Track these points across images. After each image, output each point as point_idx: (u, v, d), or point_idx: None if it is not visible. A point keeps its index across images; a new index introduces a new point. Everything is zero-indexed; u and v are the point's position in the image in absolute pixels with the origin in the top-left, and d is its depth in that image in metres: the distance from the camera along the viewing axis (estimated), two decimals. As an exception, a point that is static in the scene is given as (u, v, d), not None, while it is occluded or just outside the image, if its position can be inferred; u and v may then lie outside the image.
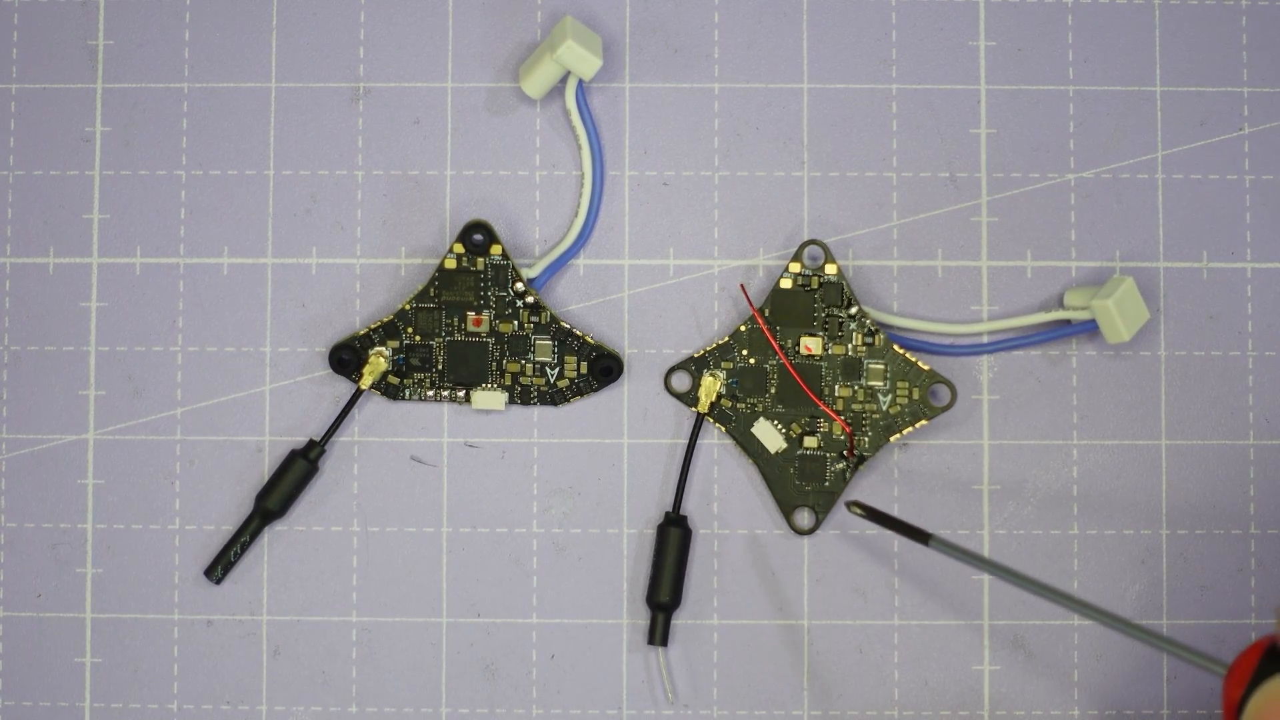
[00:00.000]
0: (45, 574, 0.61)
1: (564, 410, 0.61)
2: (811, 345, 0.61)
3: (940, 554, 0.59)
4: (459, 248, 0.60)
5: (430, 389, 0.61)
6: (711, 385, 0.60)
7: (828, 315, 0.60)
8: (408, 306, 0.61)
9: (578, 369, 0.61)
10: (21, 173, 0.62)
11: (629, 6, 0.62)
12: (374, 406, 0.61)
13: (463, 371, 0.61)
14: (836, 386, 0.60)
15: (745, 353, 0.61)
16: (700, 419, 0.61)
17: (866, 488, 0.61)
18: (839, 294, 0.60)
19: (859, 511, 0.58)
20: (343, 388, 0.61)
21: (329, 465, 0.61)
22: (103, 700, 0.61)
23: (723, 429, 0.61)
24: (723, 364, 0.61)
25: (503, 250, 0.60)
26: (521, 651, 0.61)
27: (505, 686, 0.61)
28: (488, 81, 0.62)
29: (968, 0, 0.62)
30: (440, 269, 0.60)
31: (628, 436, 0.61)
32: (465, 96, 0.62)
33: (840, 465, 0.60)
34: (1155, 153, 0.62)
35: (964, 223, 0.62)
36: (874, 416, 0.60)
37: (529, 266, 0.61)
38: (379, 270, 0.61)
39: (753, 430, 0.61)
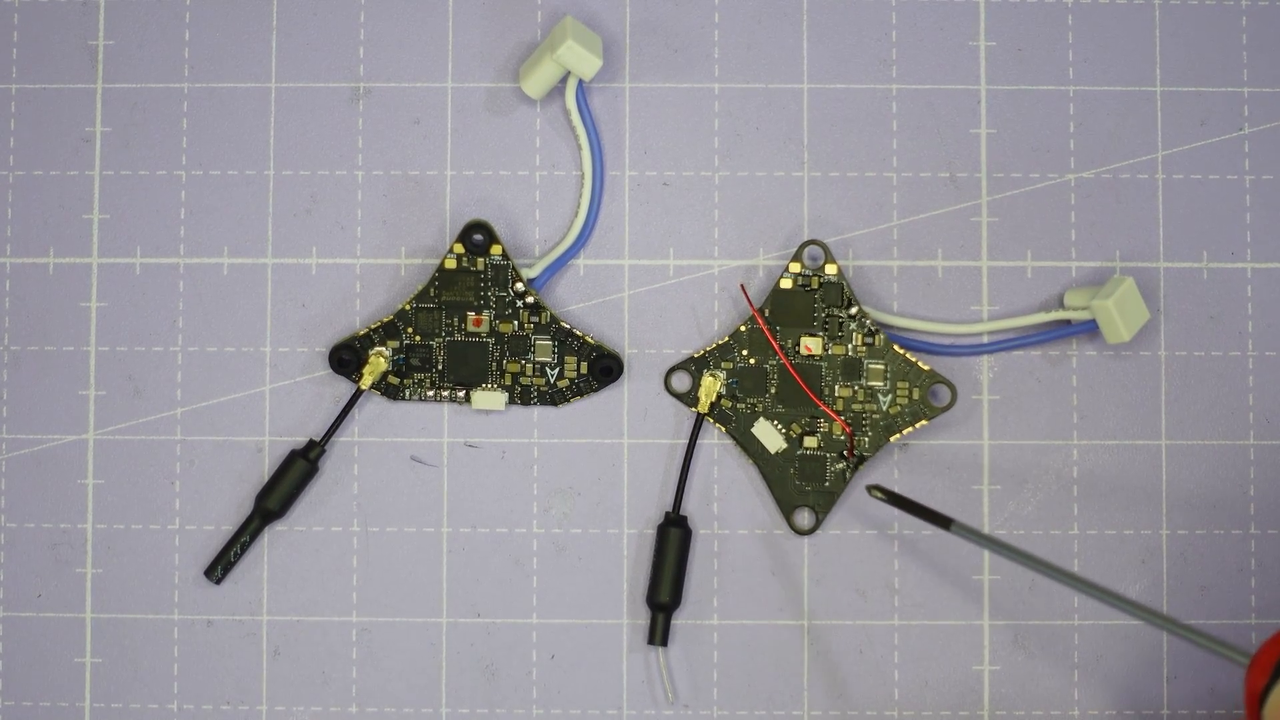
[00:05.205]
0: (45, 574, 0.61)
1: (564, 410, 0.61)
2: (811, 345, 0.61)
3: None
4: (459, 248, 0.60)
5: (430, 389, 0.61)
6: (711, 385, 0.60)
7: (828, 315, 0.60)
8: (408, 306, 0.61)
9: (578, 369, 0.61)
10: (21, 173, 0.62)
11: (629, 6, 0.62)
12: (374, 406, 0.61)
13: (463, 371, 0.61)
14: (836, 386, 0.60)
15: (745, 353, 0.61)
16: (700, 419, 0.61)
17: (866, 488, 0.61)
18: (839, 294, 0.60)
19: (880, 495, 0.58)
20: (343, 388, 0.61)
21: (329, 465, 0.61)
22: (103, 700, 0.61)
23: (723, 429, 0.61)
24: (723, 364, 0.61)
25: (503, 250, 0.60)
26: (521, 651, 0.61)
27: (505, 686, 0.61)
28: (488, 81, 0.62)
29: (968, 0, 0.62)
30: (440, 269, 0.60)
31: (628, 436, 0.61)
32: (465, 96, 0.62)
33: (840, 465, 0.60)
34: (1155, 153, 0.62)
35: (964, 223, 0.62)
36: (874, 416, 0.60)
37: (529, 266, 0.61)
38: (379, 270, 0.61)
39: (753, 430, 0.61)
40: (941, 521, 0.56)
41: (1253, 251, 0.61)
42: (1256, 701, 0.50)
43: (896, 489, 0.61)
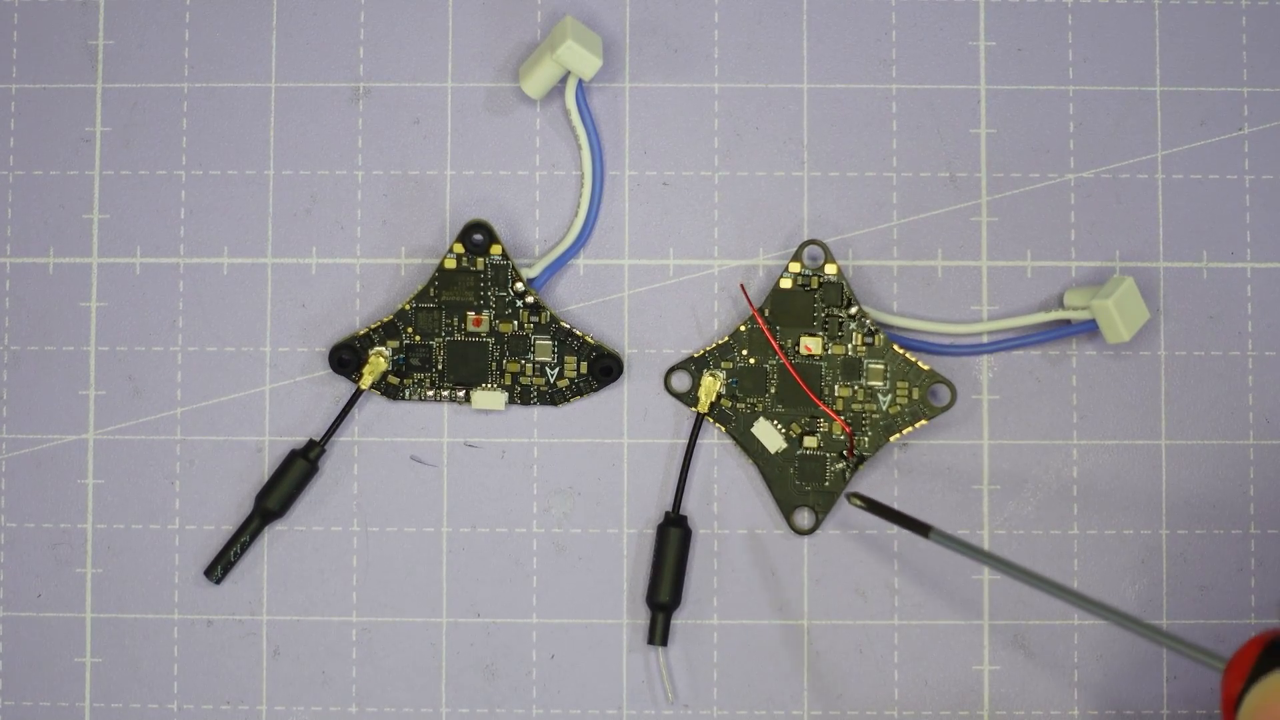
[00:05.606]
0: (45, 574, 0.61)
1: (564, 410, 0.61)
2: (811, 345, 0.61)
3: (939, 550, 0.59)
4: (459, 248, 0.60)
5: (430, 389, 0.61)
6: (711, 385, 0.60)
7: (828, 315, 0.60)
8: (408, 306, 0.61)
9: (578, 369, 0.61)
10: (21, 173, 0.62)
11: (629, 6, 0.62)
12: (374, 406, 0.61)
13: (463, 371, 0.61)
14: (836, 386, 0.60)
15: (745, 353, 0.61)
16: (700, 419, 0.61)
17: (866, 488, 0.61)
18: (839, 294, 0.60)
19: (859, 503, 0.58)
20: (343, 388, 0.61)
21: (329, 465, 0.61)
22: (103, 700, 0.61)
23: (723, 429, 0.61)
24: (723, 364, 0.61)
25: (503, 250, 0.60)
26: (521, 651, 0.61)
27: (505, 686, 0.61)
28: (488, 81, 0.62)
29: (968, 0, 0.62)
30: (440, 269, 0.60)
31: (628, 436, 0.61)
32: (465, 96, 0.62)
33: (840, 465, 0.60)
34: (1155, 153, 0.62)
35: (964, 223, 0.62)
36: (874, 416, 0.60)
37: (529, 266, 0.61)
38: (379, 270, 0.61)
39: (753, 430, 0.61)
40: (920, 529, 0.57)
41: (1252, 251, 0.61)
42: (1233, 706, 0.51)
43: (896, 489, 0.61)
